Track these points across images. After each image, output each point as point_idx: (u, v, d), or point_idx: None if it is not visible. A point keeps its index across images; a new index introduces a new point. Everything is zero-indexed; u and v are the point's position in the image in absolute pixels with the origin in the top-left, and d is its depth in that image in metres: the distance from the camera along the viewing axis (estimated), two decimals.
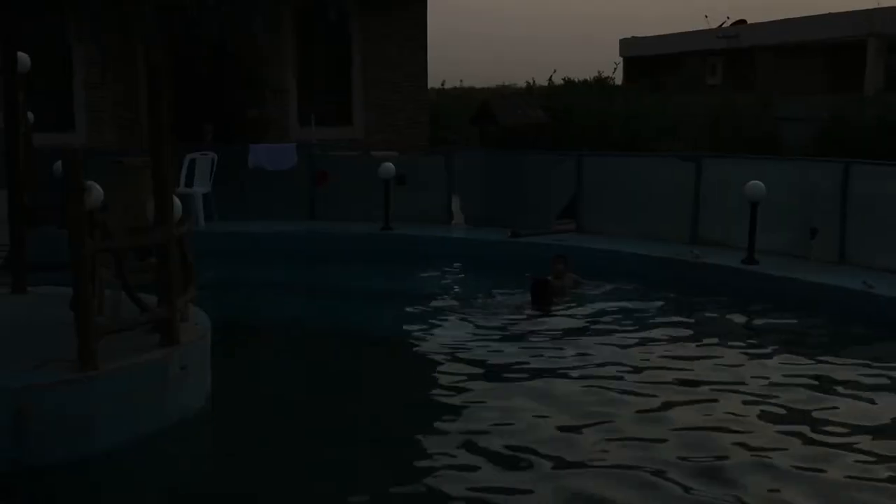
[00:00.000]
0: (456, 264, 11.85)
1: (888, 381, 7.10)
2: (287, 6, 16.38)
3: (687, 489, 5.12)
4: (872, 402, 6.62)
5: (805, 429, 6.07)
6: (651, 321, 8.98)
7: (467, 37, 68.30)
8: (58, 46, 15.64)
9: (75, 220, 5.53)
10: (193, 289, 6.76)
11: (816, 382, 7.08)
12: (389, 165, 13.01)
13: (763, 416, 6.32)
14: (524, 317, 9.02)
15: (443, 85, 28.18)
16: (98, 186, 6.50)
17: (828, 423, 6.18)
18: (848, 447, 5.74)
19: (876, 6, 25.79)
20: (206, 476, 5.74)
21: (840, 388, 6.93)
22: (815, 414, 6.35)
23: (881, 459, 5.56)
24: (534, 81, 23.86)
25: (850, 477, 5.31)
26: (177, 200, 6.48)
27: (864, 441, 5.85)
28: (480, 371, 7.42)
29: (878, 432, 6.02)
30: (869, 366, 7.48)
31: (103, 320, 6.02)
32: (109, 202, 6.87)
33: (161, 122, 6.22)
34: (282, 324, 9.34)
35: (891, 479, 5.30)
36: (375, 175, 12.98)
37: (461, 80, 30.34)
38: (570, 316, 9.14)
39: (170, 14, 5.79)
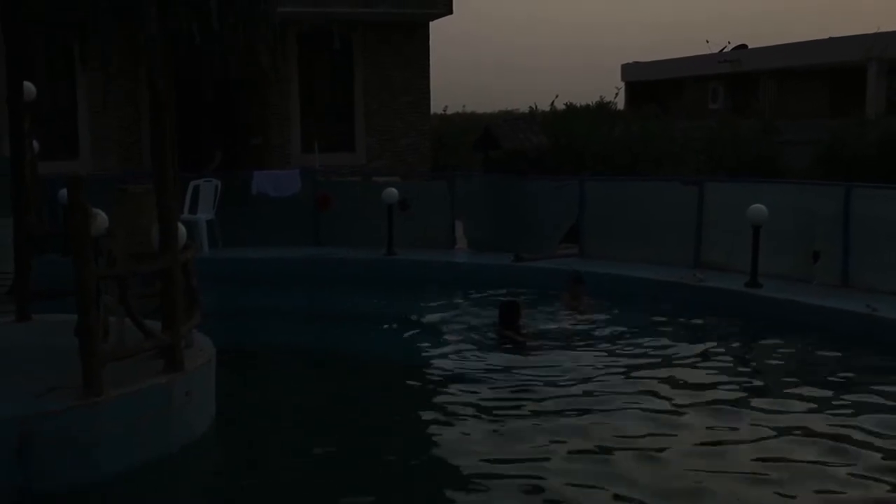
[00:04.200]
0: (460, 289, 11.85)
1: (891, 403, 7.08)
2: (291, 33, 16.47)
3: None
4: (877, 423, 6.60)
5: (807, 450, 6.08)
6: (654, 344, 8.96)
7: (471, 63, 68.67)
8: (62, 73, 15.76)
9: (80, 247, 5.55)
10: (198, 314, 6.79)
11: (819, 405, 7.07)
12: (392, 190, 13.05)
13: (763, 436, 6.32)
14: (524, 341, 8.98)
15: (445, 110, 28.26)
16: (103, 213, 6.54)
17: (831, 446, 6.18)
18: (851, 467, 5.74)
19: (876, 30, 25.91)
20: (211, 501, 5.74)
21: (844, 410, 6.92)
22: (817, 436, 6.35)
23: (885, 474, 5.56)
24: (536, 107, 23.87)
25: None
26: (181, 226, 6.51)
27: (869, 461, 5.84)
28: (482, 397, 7.41)
29: (883, 453, 6.01)
30: (872, 388, 7.47)
31: (108, 347, 6.03)
32: (113, 229, 6.90)
33: (164, 148, 6.26)
34: (286, 349, 9.35)
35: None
36: (379, 200, 13.02)
37: (464, 106, 30.45)
38: (570, 341, 9.12)
39: (175, 40, 5.81)
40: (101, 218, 6.48)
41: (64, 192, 8.99)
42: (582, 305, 10.27)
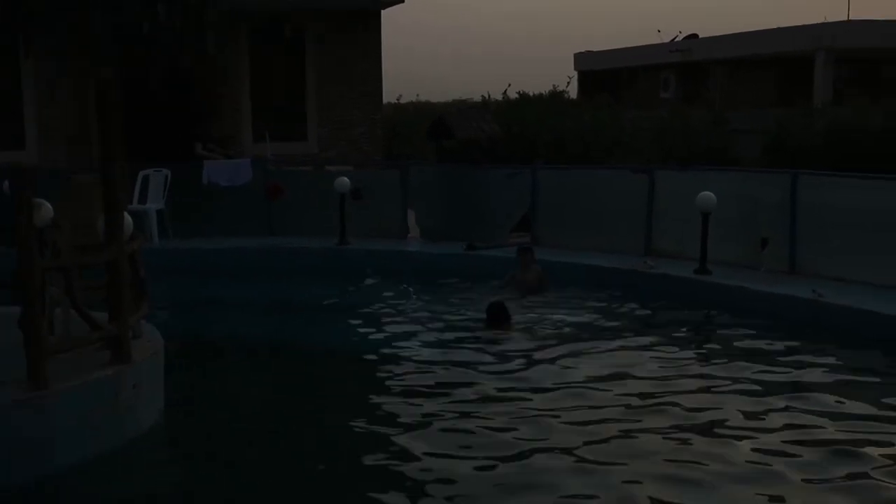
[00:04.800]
0: (412, 278, 11.85)
1: (837, 387, 7.20)
2: (242, 22, 16.32)
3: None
4: (820, 407, 6.70)
5: (748, 434, 6.15)
6: (604, 332, 9.05)
7: (423, 52, 68.60)
8: (7, 63, 15.47)
9: (24, 238, 5.46)
10: (146, 306, 6.72)
11: (765, 389, 7.17)
12: (344, 180, 12.99)
13: (710, 422, 6.39)
14: (479, 333, 8.98)
15: (399, 99, 28.16)
16: (48, 204, 6.46)
17: (775, 429, 6.27)
18: (793, 454, 5.82)
19: (823, 20, 26.28)
20: (160, 493, 5.69)
21: (791, 394, 7.02)
22: (763, 421, 6.43)
23: (828, 464, 5.66)
24: (489, 95, 23.89)
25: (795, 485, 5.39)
26: (127, 217, 6.44)
27: (810, 447, 5.94)
28: (437, 385, 7.42)
29: (824, 440, 6.11)
30: (817, 372, 7.60)
31: (53, 339, 5.94)
32: (59, 220, 6.81)
33: (111, 139, 6.18)
34: (237, 340, 9.29)
35: (839, 482, 5.40)
36: (331, 189, 12.96)
37: (417, 95, 30.39)
38: (526, 329, 9.15)
39: (124, 31, 5.75)
40: (46, 208, 6.40)
41: (7, 182, 8.85)
42: (532, 275, 10.61)
